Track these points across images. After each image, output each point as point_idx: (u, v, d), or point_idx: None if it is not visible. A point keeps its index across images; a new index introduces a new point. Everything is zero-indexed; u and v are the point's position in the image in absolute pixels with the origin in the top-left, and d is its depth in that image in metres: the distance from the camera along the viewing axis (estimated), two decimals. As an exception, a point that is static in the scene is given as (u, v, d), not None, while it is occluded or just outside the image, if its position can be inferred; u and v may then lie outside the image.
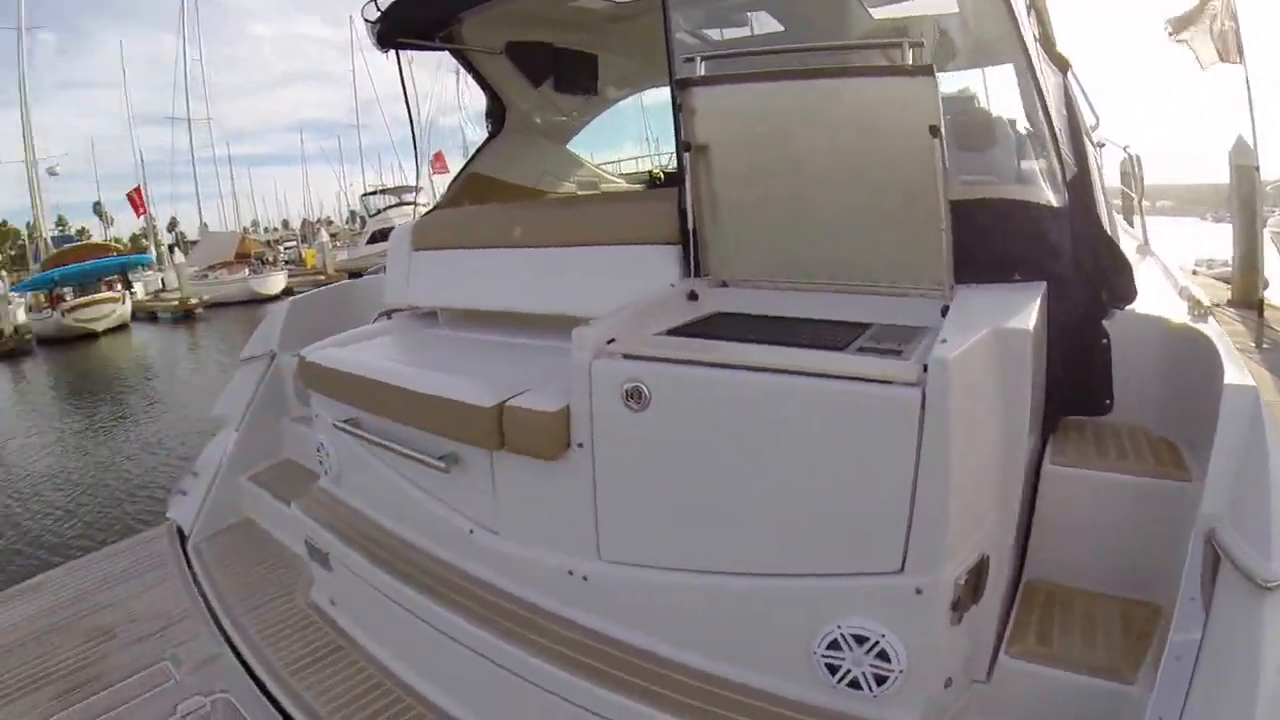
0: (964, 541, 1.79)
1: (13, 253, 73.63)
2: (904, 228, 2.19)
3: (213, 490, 4.17)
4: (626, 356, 2.03)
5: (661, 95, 4.46)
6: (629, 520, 2.12)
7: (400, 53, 3.79)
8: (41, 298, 31.10)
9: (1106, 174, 3.52)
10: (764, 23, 3.55)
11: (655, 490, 2.04)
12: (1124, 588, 2.08)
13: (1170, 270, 3.54)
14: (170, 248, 49.28)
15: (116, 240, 48.38)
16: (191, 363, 23.95)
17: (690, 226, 2.49)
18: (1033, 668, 1.88)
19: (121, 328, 30.51)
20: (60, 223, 65.67)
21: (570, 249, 2.90)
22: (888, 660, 1.78)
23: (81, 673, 2.87)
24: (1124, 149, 4.79)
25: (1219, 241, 12.67)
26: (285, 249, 48.66)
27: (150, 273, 41.30)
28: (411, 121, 4.23)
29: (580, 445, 2.11)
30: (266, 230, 67.92)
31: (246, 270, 35.39)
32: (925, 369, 1.68)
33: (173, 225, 70.23)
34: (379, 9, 3.48)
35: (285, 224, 74.00)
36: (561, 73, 4.30)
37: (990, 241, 2.25)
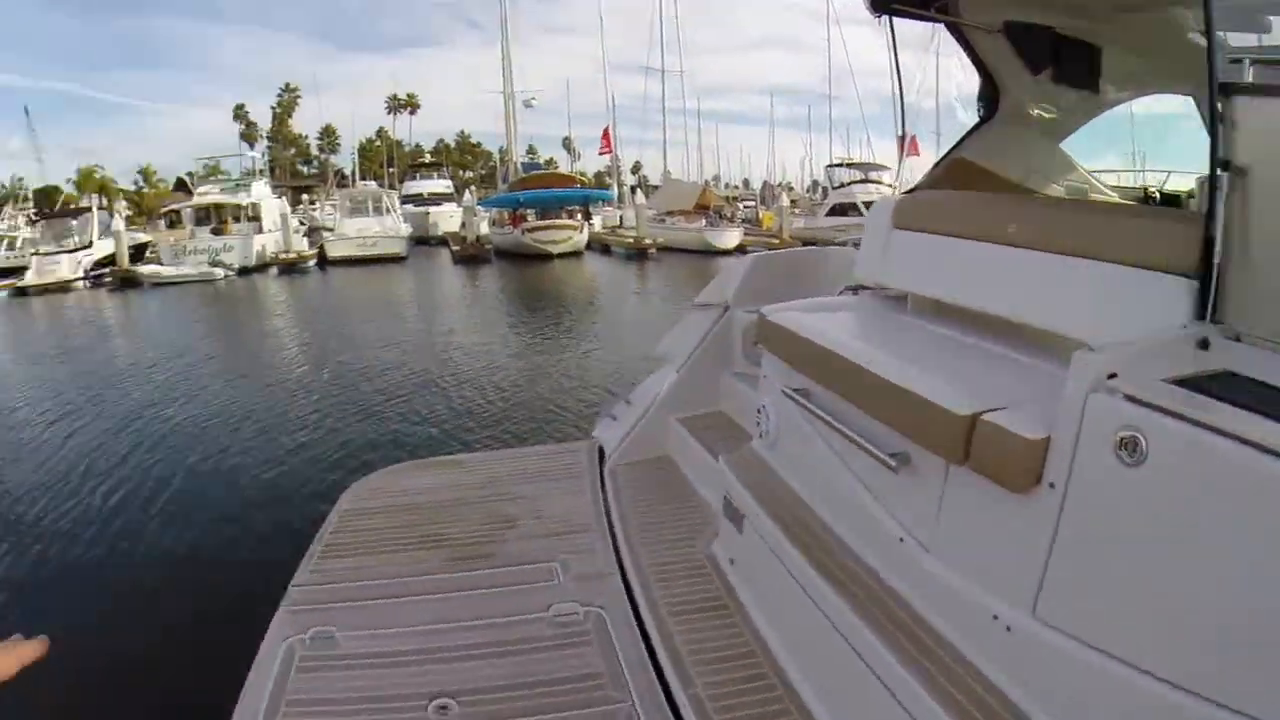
0: None
1: (483, 172, 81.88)
2: None
3: (642, 422, 4.32)
4: (1129, 399, 1.65)
5: (1154, 103, 4.07)
6: (1084, 585, 1.74)
7: (892, 20, 3.51)
8: (505, 215, 34.03)
9: None
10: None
11: (1131, 562, 1.64)
12: None
13: None
14: (632, 189, 52.29)
15: (580, 174, 51.08)
16: (636, 299, 24.07)
17: (1214, 261, 1.91)
18: None
19: (575, 254, 31.79)
20: (530, 151, 70.22)
21: (1067, 259, 2.34)
22: None
23: (476, 547, 3.16)
24: None
25: None
26: (744, 207, 48.05)
27: (609, 209, 43.74)
28: (900, 94, 4.10)
29: (1051, 486, 1.77)
30: (727, 186, 67.98)
31: (703, 221, 35.18)
32: None
33: (636, 168, 73.60)
34: None
35: (746, 183, 73.14)
36: (1062, 63, 3.59)
37: None
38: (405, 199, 41.66)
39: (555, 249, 30.62)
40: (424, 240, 36.44)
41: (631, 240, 33.85)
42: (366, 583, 2.92)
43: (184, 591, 5.98)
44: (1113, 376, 1.72)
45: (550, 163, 65.01)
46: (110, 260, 34.06)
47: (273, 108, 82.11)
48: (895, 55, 3.85)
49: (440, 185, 48.85)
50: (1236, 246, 1.95)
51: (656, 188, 49.51)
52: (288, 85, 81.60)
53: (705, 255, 29.79)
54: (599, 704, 2.37)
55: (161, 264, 31.93)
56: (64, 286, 32.94)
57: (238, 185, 36.16)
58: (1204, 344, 1.94)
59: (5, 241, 40.29)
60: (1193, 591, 1.53)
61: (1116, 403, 1.66)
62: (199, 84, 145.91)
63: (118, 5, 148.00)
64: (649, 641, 2.59)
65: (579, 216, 33.90)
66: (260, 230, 32.01)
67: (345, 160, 75.73)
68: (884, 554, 2.33)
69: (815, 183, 59.23)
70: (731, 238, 33.23)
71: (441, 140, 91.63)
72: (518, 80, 47.20)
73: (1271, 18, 2.60)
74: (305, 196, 55.69)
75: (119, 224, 36.32)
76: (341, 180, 64.04)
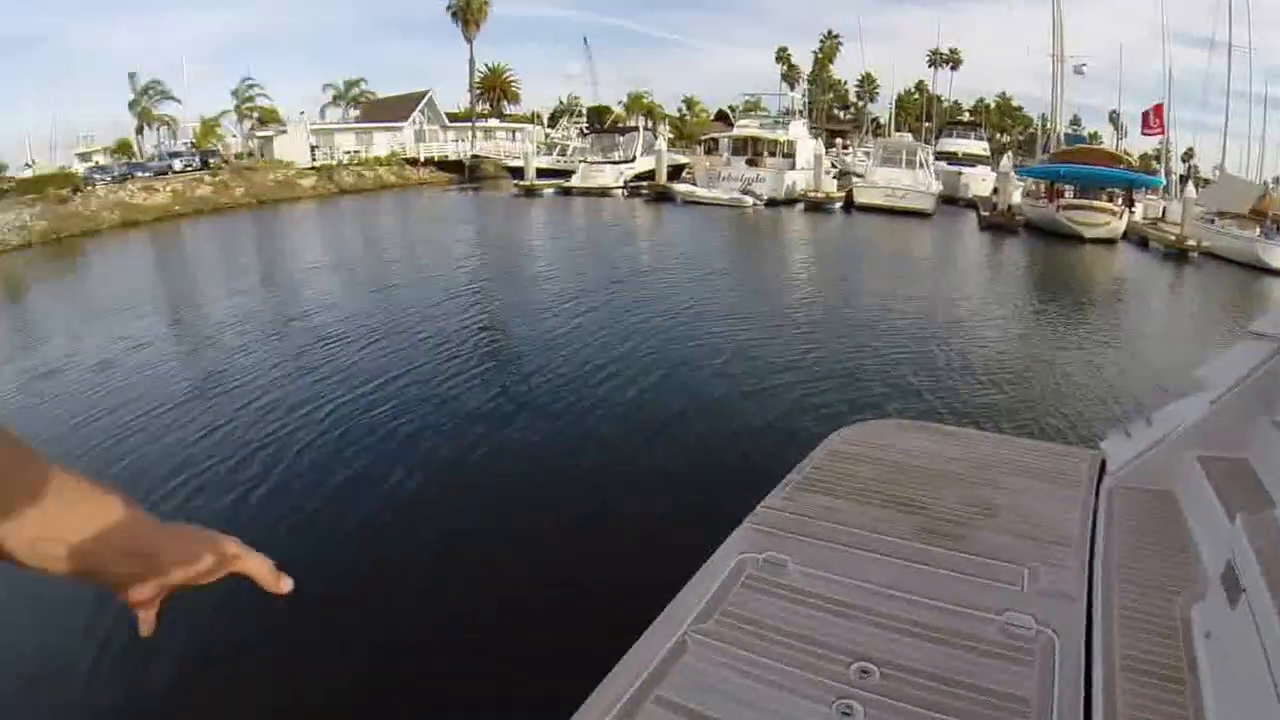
0: None
1: (1020, 137, 75.14)
2: None
3: (1157, 448, 3.92)
4: None
5: None
6: None
7: None
8: (1040, 186, 31.18)
9: None
10: None
11: None
12: None
13: None
14: (1181, 179, 43.60)
15: (1125, 153, 44.53)
16: (1165, 307, 20.00)
17: None
18: None
19: (1109, 241, 27.84)
20: (1074, 122, 63.77)
21: None
22: None
23: (948, 525, 3.02)
24: None
25: None
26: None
27: (1153, 197, 36.65)
28: None
29: None
30: (1292, 193, 54.91)
31: (1258, 230, 27.70)
32: None
33: (1188, 155, 62.33)
34: None
35: (1320, 194, 58.60)
36: None
37: None
38: (938, 155, 39.68)
39: (1089, 232, 27.20)
40: (951, 200, 34.38)
41: (1173, 238, 28.55)
42: (832, 524, 2.94)
43: (650, 488, 6.38)
44: None
45: (1094, 136, 57.74)
46: (648, 175, 37.16)
47: (814, 53, 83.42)
48: None
49: (975, 146, 45.81)
50: None
51: (1208, 182, 41.58)
52: (830, 32, 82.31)
53: (1253, 271, 24.57)
54: None
55: (696, 185, 33.70)
56: (603, 192, 37.00)
57: (776, 122, 37.15)
58: None
59: (559, 148, 46.22)
60: None
61: None
62: (743, 25, 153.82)
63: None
64: (1089, 688, 2.28)
65: (1119, 201, 29.55)
66: (792, 167, 32.43)
67: (881, 110, 75.37)
68: None
69: None
70: (1288, 257, 26.62)
71: (981, 99, 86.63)
72: (1068, 44, 42.49)
73: None
74: (839, 141, 56.03)
75: (661, 144, 39.45)
76: (876, 129, 63.54)
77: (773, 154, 33.82)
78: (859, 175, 34.45)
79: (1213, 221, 29.50)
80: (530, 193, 38.16)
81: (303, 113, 59.46)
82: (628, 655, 2.15)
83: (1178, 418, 4.11)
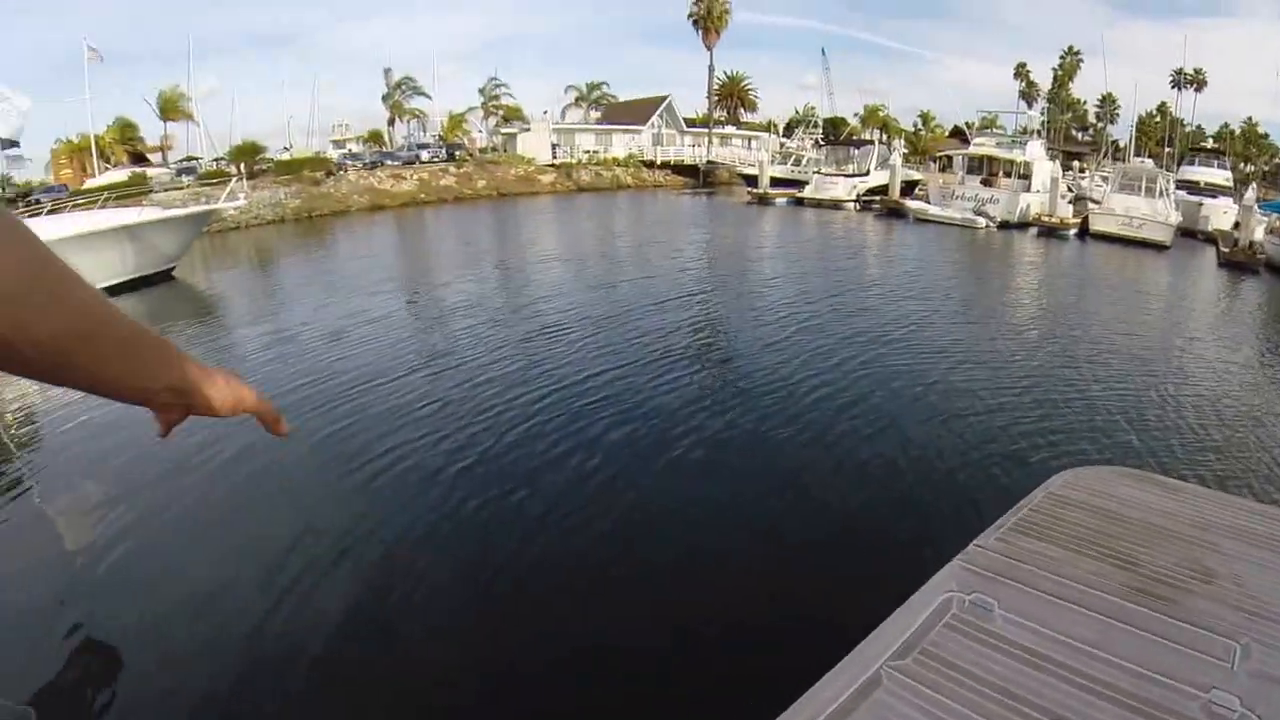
0: None
1: (1265, 168, 69.52)
2: None
3: None
4: None
5: None
6: None
7: None
8: None
9: None
10: None
11: None
12: None
13: None
14: None
15: None
16: None
17: None
18: None
19: None
20: None
21: None
22: None
23: (1159, 585, 2.78)
24: None
25: None
26: None
27: None
28: None
29: None
30: None
31: None
32: None
33: None
34: None
35: None
36: None
37: None
38: (1179, 184, 38.02)
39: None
40: (1189, 233, 32.96)
41: None
42: (1042, 572, 2.80)
43: (846, 513, 6.22)
44: None
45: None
46: (881, 190, 38.18)
47: (1054, 69, 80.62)
48: None
49: (1218, 175, 42.58)
50: None
51: None
52: (1070, 48, 79.44)
53: None
54: None
55: (928, 203, 34.36)
56: (835, 204, 38.69)
57: (1013, 141, 36.69)
58: None
59: (793, 158, 47.82)
60: None
61: None
62: (981, 39, 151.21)
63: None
64: None
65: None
66: (1028, 189, 32.30)
67: (1121, 132, 72.07)
68: None
69: None
70: None
71: (1225, 125, 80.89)
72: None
73: None
74: (1076, 163, 54.51)
75: (896, 159, 40.26)
76: (1116, 152, 61.07)
77: (1008, 174, 33.81)
78: (1095, 201, 34.00)
79: None
80: (763, 201, 40.42)
81: (546, 112, 64.26)
82: (816, 686, 2.14)
83: None
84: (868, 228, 30.76)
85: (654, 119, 60.13)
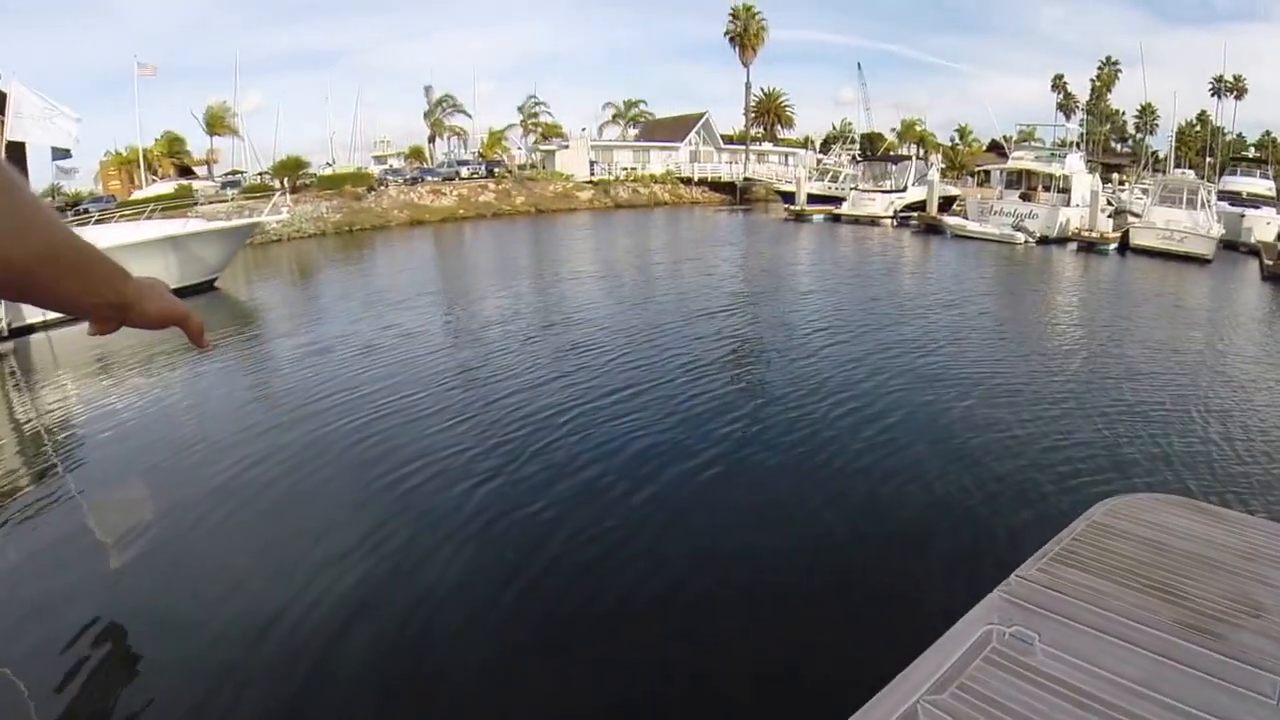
0: None
1: None
2: None
3: None
4: None
5: None
6: None
7: None
8: None
9: None
10: None
11: None
12: None
13: None
14: None
15: None
16: None
17: None
18: None
19: None
20: None
21: None
22: None
23: (1206, 620, 2.70)
24: None
25: None
26: None
27: None
28: None
29: None
30: None
31: None
32: None
33: None
34: None
35: None
36: None
37: None
38: (1221, 195, 37.46)
39: None
40: (1232, 245, 32.45)
41: None
42: (1086, 605, 2.73)
43: (882, 541, 6.10)
44: None
45: None
46: (919, 206, 38.33)
47: (1091, 80, 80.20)
48: None
49: (1261, 185, 42.42)
50: None
51: None
52: (1108, 58, 78.90)
53: None
54: None
55: (966, 219, 34.37)
56: (873, 221, 38.98)
57: (1052, 155, 36.56)
58: None
59: (830, 174, 48.10)
60: None
61: None
62: (1015, 51, 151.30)
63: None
64: None
65: None
66: (1068, 203, 32.17)
67: (1161, 143, 71.69)
68: None
69: None
70: None
71: (1267, 133, 79.65)
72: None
73: None
74: (1115, 176, 53.99)
75: (934, 175, 40.35)
76: (1155, 164, 60.48)
77: (1047, 188, 33.72)
78: (1135, 214, 33.77)
79: None
80: (799, 218, 40.89)
81: (584, 129, 65.08)
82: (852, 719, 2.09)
83: None
84: (905, 244, 30.88)
85: (691, 136, 60.81)
